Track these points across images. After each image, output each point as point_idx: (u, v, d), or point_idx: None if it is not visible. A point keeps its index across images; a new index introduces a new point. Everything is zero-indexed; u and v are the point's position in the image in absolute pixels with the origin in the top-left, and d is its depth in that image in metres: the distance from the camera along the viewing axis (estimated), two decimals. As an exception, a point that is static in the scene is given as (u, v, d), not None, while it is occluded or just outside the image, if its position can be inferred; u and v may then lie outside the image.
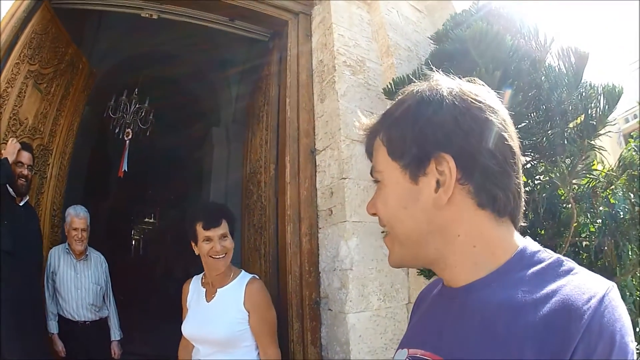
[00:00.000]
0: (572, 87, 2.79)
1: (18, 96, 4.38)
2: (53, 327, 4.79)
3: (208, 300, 3.21)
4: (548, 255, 1.09)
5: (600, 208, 2.90)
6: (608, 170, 2.95)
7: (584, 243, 2.97)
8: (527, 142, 3.00)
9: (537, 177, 3.17)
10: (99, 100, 8.13)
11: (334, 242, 3.84)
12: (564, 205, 2.97)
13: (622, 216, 2.80)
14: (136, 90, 8.59)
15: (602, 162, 3.11)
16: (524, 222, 1.21)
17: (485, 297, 1.06)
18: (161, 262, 16.60)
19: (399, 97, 1.27)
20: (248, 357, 3.09)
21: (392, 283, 3.78)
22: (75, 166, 6.68)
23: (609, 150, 3.13)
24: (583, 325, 0.89)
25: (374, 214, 1.29)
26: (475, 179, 1.10)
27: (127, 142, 8.39)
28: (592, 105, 2.75)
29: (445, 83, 1.17)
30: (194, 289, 3.40)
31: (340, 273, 3.66)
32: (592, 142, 2.77)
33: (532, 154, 3.09)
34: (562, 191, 2.90)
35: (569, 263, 1.06)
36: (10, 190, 4.12)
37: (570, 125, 2.87)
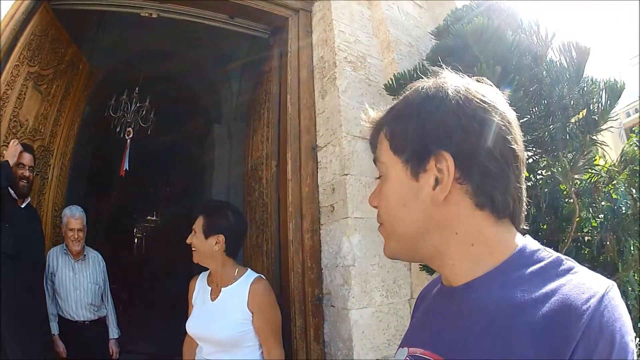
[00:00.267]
0: (573, 82, 2.79)
1: (18, 98, 4.38)
2: (53, 328, 4.79)
3: (213, 300, 3.21)
4: (548, 254, 1.08)
5: (602, 203, 2.90)
6: (610, 166, 2.94)
7: (586, 238, 2.96)
8: (528, 137, 3.00)
9: (539, 172, 3.17)
10: (100, 100, 8.12)
11: (336, 239, 3.84)
12: (566, 200, 2.97)
13: (624, 211, 2.79)
14: (137, 89, 8.57)
15: (604, 157, 3.11)
16: (526, 226, 1.20)
17: (484, 296, 1.06)
18: (164, 260, 16.61)
19: (405, 93, 1.25)
20: (251, 357, 3.09)
21: (395, 279, 3.79)
22: (77, 166, 6.70)
23: (610, 144, 3.12)
24: (583, 325, 0.88)
25: (376, 207, 1.29)
26: (473, 180, 1.09)
27: (129, 141, 8.37)
28: (594, 100, 2.74)
29: (451, 81, 1.16)
30: (200, 286, 3.40)
31: (343, 269, 3.66)
32: (594, 137, 2.77)
33: (534, 149, 3.09)
34: (564, 186, 2.90)
35: (568, 262, 1.05)
36: (12, 192, 4.11)
37: (572, 120, 2.87)
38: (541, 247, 1.11)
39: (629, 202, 2.82)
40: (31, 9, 4.15)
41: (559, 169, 2.67)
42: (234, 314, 3.07)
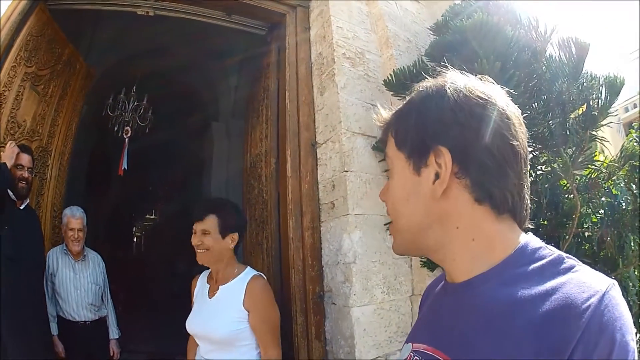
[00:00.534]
0: (573, 78, 2.79)
1: (15, 99, 4.37)
2: (53, 328, 4.79)
3: (210, 297, 3.21)
4: (549, 252, 1.09)
5: (603, 199, 2.90)
6: (610, 161, 2.94)
7: (587, 234, 2.96)
8: (529, 133, 2.99)
9: (539, 167, 3.17)
10: (97, 99, 8.12)
11: (336, 236, 3.83)
12: (566, 196, 2.97)
13: (624, 207, 2.80)
14: (134, 87, 8.57)
15: (603, 152, 3.11)
16: (531, 224, 1.21)
17: (485, 293, 1.07)
18: (163, 259, 16.62)
19: (409, 94, 1.29)
20: (247, 357, 3.08)
21: (396, 276, 3.78)
22: (75, 166, 6.71)
23: (610, 139, 3.12)
24: (583, 324, 0.89)
25: (385, 201, 1.33)
26: (471, 174, 1.12)
27: (127, 140, 8.37)
28: (594, 96, 2.74)
29: (452, 79, 1.18)
30: (201, 284, 3.41)
31: (344, 267, 3.66)
32: (594, 132, 2.77)
33: (533, 145, 3.09)
34: (565, 182, 2.90)
35: (570, 260, 1.06)
36: (11, 193, 4.09)
37: (572, 115, 2.87)
38: (543, 244, 1.13)
39: (629, 197, 2.83)
40: (27, 10, 4.15)
41: (560, 164, 2.67)
42: (229, 312, 3.07)
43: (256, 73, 5.72)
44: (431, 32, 4.12)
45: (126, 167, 8.04)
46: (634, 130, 3.04)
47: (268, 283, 3.32)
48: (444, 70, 1.25)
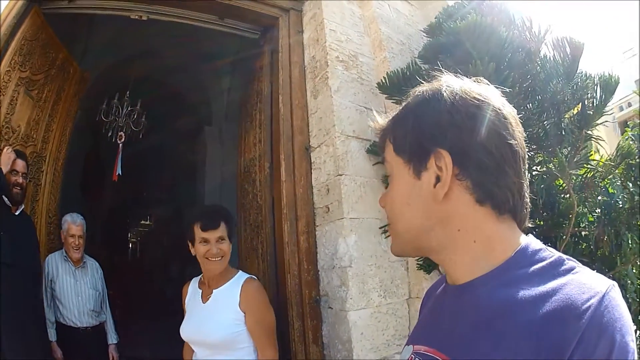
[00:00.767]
0: (567, 78, 2.80)
1: (10, 104, 4.35)
2: (51, 334, 4.79)
3: (204, 302, 3.20)
4: (550, 254, 1.09)
5: (599, 198, 2.90)
6: (606, 160, 2.95)
7: (584, 233, 2.97)
8: (524, 134, 2.99)
9: (535, 168, 3.17)
10: (91, 104, 8.09)
11: (332, 240, 3.82)
12: (563, 195, 2.97)
13: (620, 205, 2.80)
14: (128, 92, 8.55)
15: (599, 152, 3.11)
16: (530, 224, 1.21)
17: (486, 295, 1.07)
18: (159, 264, 16.61)
19: (406, 99, 1.30)
20: (246, 359, 3.07)
21: (392, 279, 3.78)
22: (70, 172, 6.69)
23: (605, 138, 3.13)
24: (583, 325, 0.89)
25: (384, 207, 1.34)
26: (472, 175, 1.12)
27: (120, 145, 8.37)
28: (589, 95, 2.75)
29: (448, 82, 1.19)
30: (192, 290, 3.39)
31: (340, 271, 3.65)
32: (589, 132, 2.77)
33: (529, 145, 3.09)
34: (560, 182, 2.90)
35: (570, 262, 1.06)
36: (5, 199, 4.08)
37: (567, 115, 2.87)
38: (543, 246, 1.13)
39: (625, 196, 2.83)
40: (22, 13, 4.13)
41: (555, 164, 2.67)
42: (225, 314, 3.05)
43: (249, 77, 5.72)
44: (425, 34, 4.12)
45: (120, 173, 8.05)
46: (629, 129, 3.04)
47: (262, 285, 3.32)
48: (439, 74, 1.26)
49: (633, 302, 2.74)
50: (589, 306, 0.91)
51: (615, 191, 2.88)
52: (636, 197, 2.75)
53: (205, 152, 10.81)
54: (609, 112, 2.76)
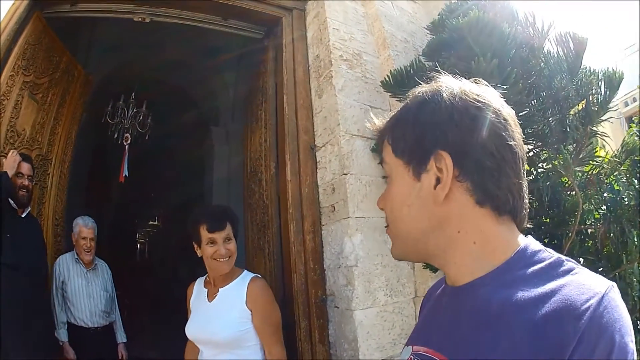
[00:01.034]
0: (571, 73, 2.79)
1: (14, 108, 4.37)
2: (63, 335, 4.85)
3: (210, 300, 3.21)
4: (549, 255, 1.10)
5: (605, 195, 2.88)
6: (611, 157, 2.93)
7: (589, 231, 2.95)
8: (528, 131, 2.98)
9: (540, 165, 3.15)
10: (97, 107, 8.11)
11: (337, 239, 3.82)
12: (568, 193, 2.95)
13: (626, 203, 2.78)
14: (133, 94, 8.57)
15: (604, 148, 3.10)
16: (529, 223, 1.21)
17: (486, 296, 1.08)
18: (167, 265, 16.62)
19: (404, 101, 1.30)
20: (253, 357, 3.08)
21: (398, 278, 3.77)
22: (76, 174, 6.70)
23: (611, 134, 3.12)
24: (582, 326, 0.89)
25: (383, 209, 1.33)
26: (472, 176, 1.12)
27: (127, 147, 8.39)
28: (593, 91, 2.73)
29: (447, 84, 1.20)
30: (197, 290, 3.40)
31: (346, 270, 3.64)
32: (594, 128, 2.76)
33: (533, 142, 3.08)
34: (566, 179, 2.88)
35: (569, 263, 1.07)
36: (12, 202, 4.10)
37: (571, 112, 2.86)
38: (542, 247, 1.13)
39: (631, 193, 2.81)
40: (24, 19, 4.13)
41: (560, 161, 2.66)
42: (232, 313, 3.06)
43: (254, 77, 5.72)
44: (428, 32, 4.11)
45: (127, 174, 8.07)
46: (634, 125, 3.02)
47: (267, 284, 3.33)
48: (437, 75, 1.26)
49: (638, 301, 2.72)
50: (589, 307, 0.91)
51: (621, 188, 2.86)
52: (641, 194, 2.73)
53: (212, 153, 10.79)
54: (613, 108, 2.75)
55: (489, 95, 1.17)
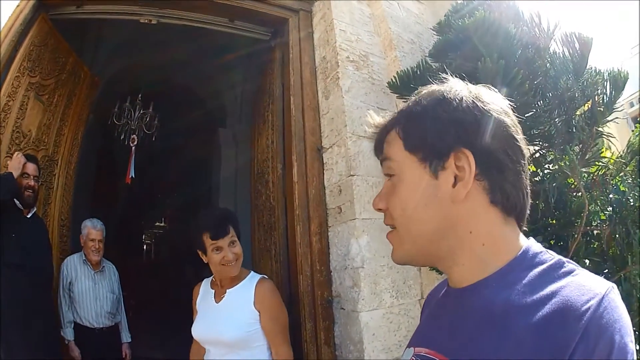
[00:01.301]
0: (577, 74, 2.78)
1: (20, 109, 4.39)
2: (70, 334, 4.90)
3: (217, 301, 3.22)
4: (550, 257, 1.11)
5: (610, 196, 2.87)
6: (617, 157, 2.92)
7: (595, 232, 2.94)
8: (534, 132, 2.98)
9: (546, 166, 3.15)
10: (103, 108, 8.13)
11: (344, 240, 3.82)
12: (574, 194, 2.95)
13: (632, 203, 2.77)
14: (139, 95, 8.60)
15: (610, 149, 3.09)
16: (531, 222, 1.22)
17: (488, 297, 1.08)
18: (173, 266, 16.64)
19: (414, 98, 1.27)
20: (261, 358, 3.08)
21: (405, 279, 3.77)
22: (82, 175, 6.72)
23: (616, 134, 3.11)
24: (582, 326, 0.90)
25: (380, 210, 1.30)
26: (491, 176, 1.13)
27: (133, 148, 8.40)
28: (599, 91, 2.73)
29: (459, 84, 1.21)
30: (204, 291, 3.41)
31: (352, 271, 3.64)
32: (600, 128, 2.75)
33: (540, 143, 3.07)
34: (572, 180, 2.88)
35: (570, 264, 1.07)
36: (17, 202, 4.13)
37: (577, 112, 2.85)
38: (544, 249, 1.14)
39: (636, 194, 2.80)
40: (29, 20, 4.16)
41: (567, 162, 2.65)
42: (240, 313, 3.08)
43: (261, 78, 5.73)
44: (434, 32, 4.11)
45: (133, 175, 8.08)
46: (639, 125, 3.01)
47: (274, 284, 3.34)
48: (446, 77, 1.26)
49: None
50: (589, 307, 0.92)
51: (627, 189, 2.85)
52: (646, 195, 2.73)
53: (219, 154, 10.79)
54: (619, 109, 2.75)
55: (501, 101, 1.20)
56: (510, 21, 3.04)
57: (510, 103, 1.22)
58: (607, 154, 3.04)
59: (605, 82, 2.72)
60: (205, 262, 3.22)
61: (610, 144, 3.04)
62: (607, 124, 2.81)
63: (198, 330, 3.21)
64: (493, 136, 1.11)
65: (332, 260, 3.96)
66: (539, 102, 2.99)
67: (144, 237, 22.25)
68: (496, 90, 1.23)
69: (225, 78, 10.27)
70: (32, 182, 4.25)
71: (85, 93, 5.93)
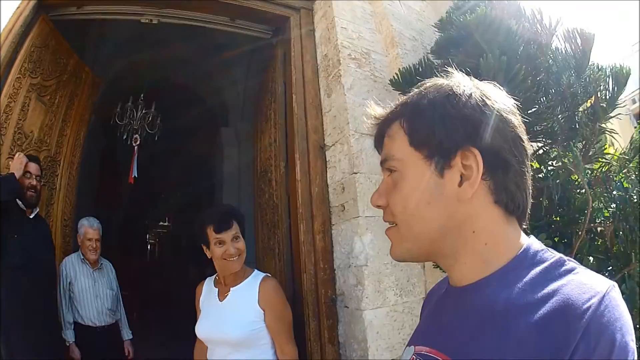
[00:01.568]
0: (579, 70, 2.77)
1: (22, 110, 4.39)
2: (70, 335, 4.90)
3: (221, 300, 3.21)
4: (551, 255, 1.10)
5: (614, 192, 2.87)
6: (620, 154, 2.91)
7: (599, 229, 2.93)
8: (537, 128, 2.97)
9: (550, 163, 3.14)
10: (105, 108, 8.13)
11: (347, 239, 3.81)
12: (578, 191, 2.94)
13: (635, 200, 2.76)
14: (142, 95, 8.58)
15: (613, 145, 3.08)
16: (534, 223, 1.22)
17: (489, 296, 1.08)
18: (177, 266, 16.65)
19: (417, 90, 1.25)
20: (265, 356, 3.09)
21: (409, 277, 3.76)
22: (85, 175, 6.74)
23: (619, 131, 3.10)
24: (583, 325, 0.90)
25: (379, 207, 1.27)
26: (497, 176, 1.12)
27: (136, 148, 8.40)
28: (601, 87, 2.72)
29: (467, 81, 1.19)
30: (207, 289, 3.41)
31: (356, 269, 3.64)
32: (603, 125, 2.75)
33: (543, 140, 3.07)
34: (575, 177, 2.87)
35: (570, 263, 1.07)
36: (20, 203, 4.13)
37: (580, 108, 2.84)
38: (544, 247, 1.14)
39: (639, 190, 2.79)
40: (30, 21, 4.16)
41: (570, 159, 2.64)
42: (245, 312, 3.08)
43: (263, 77, 5.73)
44: (436, 30, 4.09)
45: (136, 175, 8.08)
46: (642, 121, 3.01)
47: (278, 283, 3.34)
48: (450, 72, 1.24)
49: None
50: (590, 306, 0.92)
51: (630, 185, 2.84)
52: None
53: (222, 153, 10.80)
54: (621, 105, 2.74)
55: (507, 99, 1.18)
56: (511, 17, 3.03)
57: (515, 102, 1.20)
58: (610, 150, 3.03)
59: (607, 78, 2.71)
60: (209, 257, 3.22)
61: (613, 140, 3.03)
62: (610, 120, 2.80)
63: (202, 330, 3.21)
64: (501, 136, 1.10)
65: (336, 259, 3.96)
66: (541, 99, 2.98)
67: (147, 236, 22.26)
68: (501, 87, 1.22)
69: (227, 76, 10.28)
70: (34, 182, 4.24)
71: (87, 93, 5.94)
